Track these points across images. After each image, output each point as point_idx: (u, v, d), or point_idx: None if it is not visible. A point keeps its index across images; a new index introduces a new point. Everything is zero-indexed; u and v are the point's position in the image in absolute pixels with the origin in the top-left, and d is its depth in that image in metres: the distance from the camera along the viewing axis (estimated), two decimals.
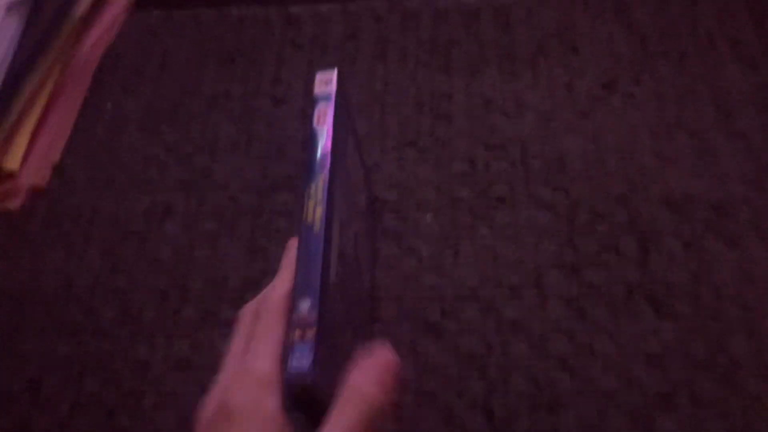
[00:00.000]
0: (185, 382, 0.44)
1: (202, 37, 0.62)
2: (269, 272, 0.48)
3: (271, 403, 0.27)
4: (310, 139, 0.35)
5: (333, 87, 0.37)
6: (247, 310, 0.32)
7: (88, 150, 0.56)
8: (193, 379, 0.44)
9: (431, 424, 0.41)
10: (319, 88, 0.37)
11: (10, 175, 0.54)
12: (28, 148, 0.55)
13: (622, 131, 0.51)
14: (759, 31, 0.55)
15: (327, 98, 0.36)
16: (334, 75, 0.37)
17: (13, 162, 0.54)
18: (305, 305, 0.28)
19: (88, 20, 0.62)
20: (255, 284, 0.48)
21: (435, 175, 0.51)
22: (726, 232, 0.46)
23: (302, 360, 0.27)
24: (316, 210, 0.32)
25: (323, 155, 0.34)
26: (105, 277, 0.49)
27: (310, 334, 0.27)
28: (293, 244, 0.32)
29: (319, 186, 0.32)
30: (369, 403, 0.27)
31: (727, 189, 0.48)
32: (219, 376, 0.30)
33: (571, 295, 0.45)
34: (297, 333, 0.28)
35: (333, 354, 0.29)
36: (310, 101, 0.37)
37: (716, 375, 0.41)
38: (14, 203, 0.53)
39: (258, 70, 0.59)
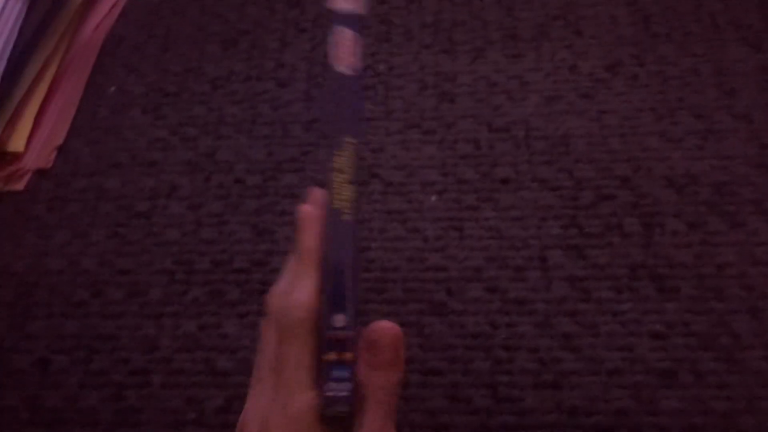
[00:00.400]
0: (192, 361, 0.45)
1: (204, 18, 0.62)
2: (275, 253, 0.49)
3: None
4: (332, 84, 0.25)
5: (361, 5, 0.26)
6: (270, 323, 0.28)
7: (93, 131, 0.56)
8: (200, 359, 0.45)
9: (437, 401, 0.42)
10: (340, 3, 0.26)
11: (15, 157, 0.54)
12: (33, 130, 0.55)
13: (626, 112, 0.51)
14: (763, 12, 0.55)
15: (351, 22, 0.25)
16: None
17: (18, 144, 0.54)
18: (340, 321, 0.25)
19: (89, 2, 0.62)
20: (261, 265, 0.48)
21: (439, 157, 0.51)
22: (729, 212, 0.46)
23: (341, 388, 0.24)
24: (344, 189, 0.25)
25: (354, 111, 0.25)
26: (111, 257, 0.49)
27: (347, 356, 0.24)
28: (308, 217, 0.28)
29: (349, 155, 0.25)
30: (393, 390, 0.26)
31: (730, 169, 0.48)
32: (252, 399, 0.27)
33: (576, 275, 0.45)
34: (332, 355, 0.25)
35: None
36: (322, 34, 0.30)
37: (719, 353, 0.42)
38: (19, 185, 0.53)
39: (261, 51, 0.59)
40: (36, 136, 0.55)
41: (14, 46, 0.55)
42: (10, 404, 0.44)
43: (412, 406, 0.42)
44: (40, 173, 0.54)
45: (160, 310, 0.47)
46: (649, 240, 0.46)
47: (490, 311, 0.44)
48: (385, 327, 0.27)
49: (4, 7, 0.55)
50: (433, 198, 0.49)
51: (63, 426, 0.43)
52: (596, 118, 0.51)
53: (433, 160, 0.51)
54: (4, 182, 0.53)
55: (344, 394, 0.24)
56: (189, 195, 0.52)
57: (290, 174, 0.52)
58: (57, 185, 0.53)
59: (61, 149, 0.55)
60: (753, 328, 0.42)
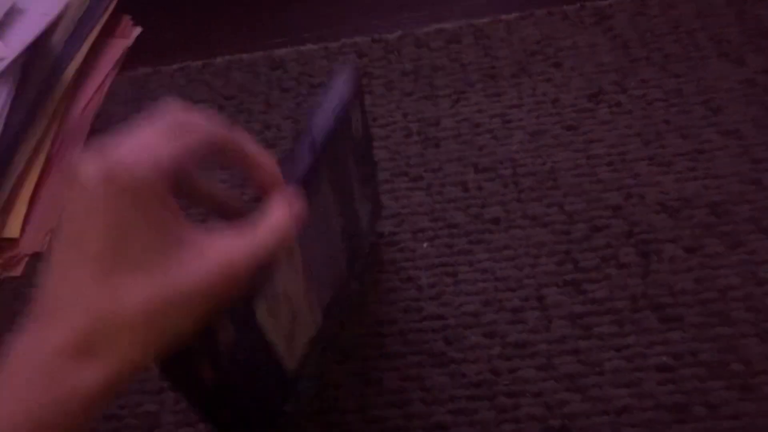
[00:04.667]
0: None
1: (190, 86, 0.63)
2: None
3: None
4: None
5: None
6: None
7: None
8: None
9: None
10: None
11: (12, 243, 0.55)
12: (27, 214, 0.56)
13: (612, 140, 0.50)
14: (741, 26, 0.54)
15: None
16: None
17: (13, 230, 0.55)
18: None
19: (77, 83, 0.64)
20: None
21: (428, 203, 0.51)
22: (727, 232, 0.45)
23: None
24: None
25: None
26: None
27: None
28: None
29: None
30: None
31: (723, 188, 0.47)
32: None
33: (575, 312, 0.44)
34: None
35: None
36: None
37: (730, 381, 0.40)
38: (17, 270, 0.53)
39: (248, 114, 0.60)
40: (31, 221, 0.56)
41: (4, 133, 0.56)
42: None
43: None
44: (35, 257, 0.54)
45: (161, 385, 0.46)
46: (647, 269, 0.45)
47: (491, 357, 0.43)
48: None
49: None
50: (425, 245, 0.49)
51: None
52: (582, 149, 0.51)
53: (422, 206, 0.51)
54: (1, 269, 0.54)
55: None
56: None
57: None
58: None
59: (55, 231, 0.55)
60: (764, 352, 0.41)
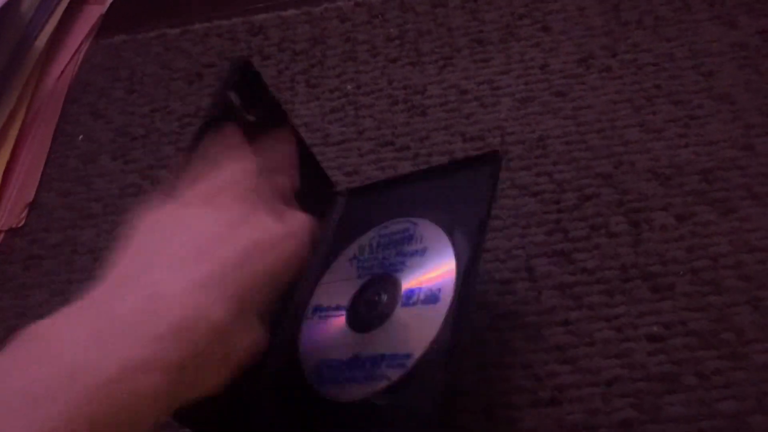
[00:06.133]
0: None
1: (168, 54, 0.61)
2: None
3: None
4: None
5: None
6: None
7: (63, 184, 0.55)
8: None
9: None
10: None
11: None
12: (2, 188, 0.54)
13: (602, 107, 0.49)
14: None
15: None
16: None
17: None
18: None
19: (50, 52, 0.61)
20: None
21: None
22: (719, 200, 0.44)
23: None
24: None
25: None
26: None
27: None
28: None
29: None
30: None
31: (716, 155, 0.46)
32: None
33: (565, 282, 0.43)
34: None
35: None
36: None
37: (721, 350, 0.39)
38: None
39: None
40: (6, 195, 0.54)
41: None
42: None
43: None
44: (12, 232, 0.53)
45: None
46: (637, 238, 0.44)
47: (481, 328, 0.43)
48: None
49: None
50: None
51: None
52: (572, 116, 0.49)
53: None
54: None
55: None
56: None
57: None
58: (31, 243, 0.52)
59: (32, 205, 0.54)
60: (755, 321, 0.40)
